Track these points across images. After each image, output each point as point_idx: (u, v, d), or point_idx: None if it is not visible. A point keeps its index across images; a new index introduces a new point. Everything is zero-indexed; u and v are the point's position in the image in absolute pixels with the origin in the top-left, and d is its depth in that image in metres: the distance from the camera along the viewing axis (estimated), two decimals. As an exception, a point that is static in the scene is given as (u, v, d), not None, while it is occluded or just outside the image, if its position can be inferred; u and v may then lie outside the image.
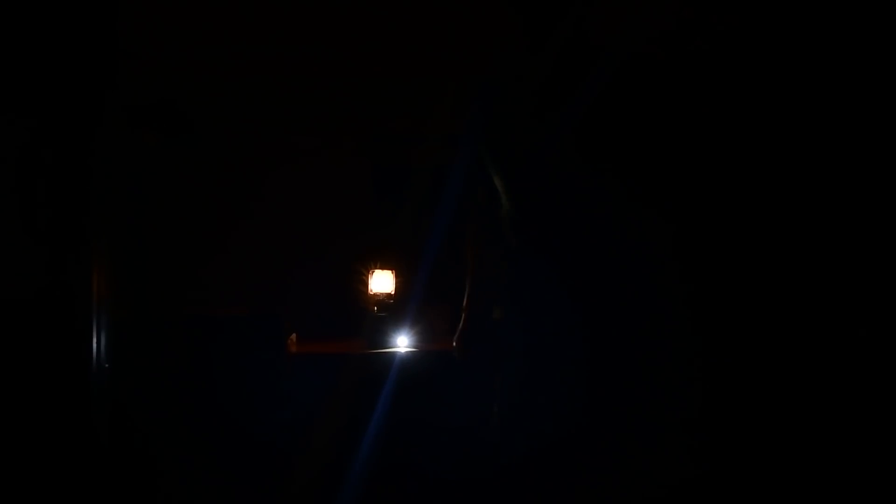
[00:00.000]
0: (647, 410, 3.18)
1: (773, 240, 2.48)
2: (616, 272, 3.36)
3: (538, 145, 3.12)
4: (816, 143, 2.20)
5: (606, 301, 3.47)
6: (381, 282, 3.50)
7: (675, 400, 3.01)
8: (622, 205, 3.23)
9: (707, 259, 2.83)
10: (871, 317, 1.96)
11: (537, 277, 3.64)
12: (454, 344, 2.92)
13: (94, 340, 2.37)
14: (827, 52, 2.21)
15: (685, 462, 2.85)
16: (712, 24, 2.54)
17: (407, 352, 3.34)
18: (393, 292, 3.51)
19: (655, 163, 2.90)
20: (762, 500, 2.47)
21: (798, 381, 2.34)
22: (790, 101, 2.17)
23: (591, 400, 3.42)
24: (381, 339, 3.42)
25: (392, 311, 3.49)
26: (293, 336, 3.49)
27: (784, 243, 2.44)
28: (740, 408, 2.63)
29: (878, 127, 1.98)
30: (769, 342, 2.49)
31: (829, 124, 2.14)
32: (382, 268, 3.53)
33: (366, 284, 3.52)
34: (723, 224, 2.72)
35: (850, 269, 2.14)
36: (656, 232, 3.08)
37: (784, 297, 2.43)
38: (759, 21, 2.37)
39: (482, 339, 3.43)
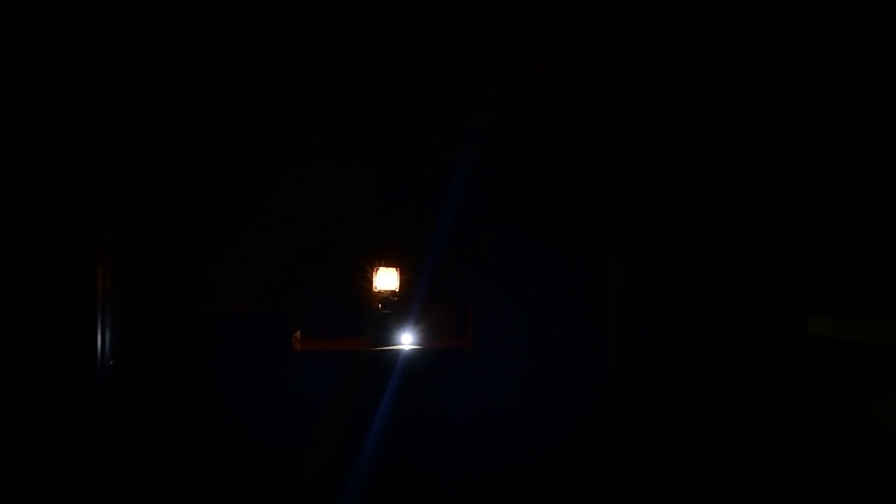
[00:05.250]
0: (656, 409, 3.18)
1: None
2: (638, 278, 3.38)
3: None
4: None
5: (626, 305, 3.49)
6: (386, 279, 3.51)
7: (684, 399, 3.01)
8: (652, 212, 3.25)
9: (719, 264, 2.83)
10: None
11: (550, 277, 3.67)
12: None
13: (99, 337, 2.39)
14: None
15: (693, 462, 2.84)
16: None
17: (411, 349, 3.34)
18: (397, 289, 3.52)
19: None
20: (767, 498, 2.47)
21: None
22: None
23: (599, 400, 3.44)
24: (386, 336, 3.42)
25: (396, 308, 3.49)
26: (297, 333, 3.50)
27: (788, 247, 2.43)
28: (746, 410, 2.63)
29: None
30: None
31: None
32: (387, 265, 3.53)
33: (370, 282, 3.52)
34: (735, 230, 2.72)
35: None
36: (675, 238, 3.09)
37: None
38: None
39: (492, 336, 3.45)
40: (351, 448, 3.05)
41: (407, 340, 3.44)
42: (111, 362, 2.42)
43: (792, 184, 2.39)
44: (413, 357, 3.28)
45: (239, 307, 3.37)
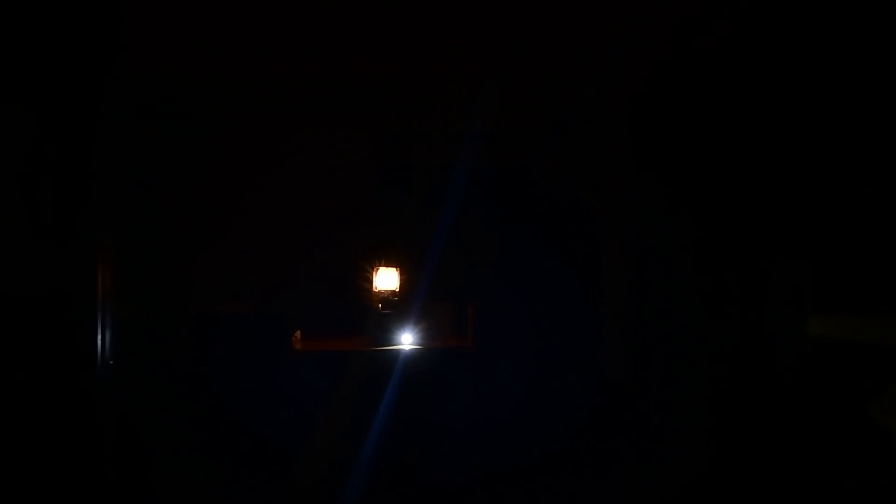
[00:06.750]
0: (657, 409, 3.18)
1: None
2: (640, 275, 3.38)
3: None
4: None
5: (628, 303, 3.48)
6: (386, 279, 3.51)
7: (685, 399, 3.00)
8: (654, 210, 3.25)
9: (720, 263, 2.82)
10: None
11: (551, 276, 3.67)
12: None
13: (99, 337, 2.38)
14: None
15: (695, 461, 2.84)
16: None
17: (411, 349, 3.34)
18: (397, 289, 3.52)
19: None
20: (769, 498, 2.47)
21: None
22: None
23: (600, 399, 3.43)
24: (386, 336, 3.42)
25: (396, 308, 3.49)
26: (297, 333, 3.50)
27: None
28: (748, 408, 2.62)
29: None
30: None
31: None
32: (387, 265, 3.53)
33: (370, 281, 3.52)
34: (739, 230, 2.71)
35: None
36: (676, 236, 3.08)
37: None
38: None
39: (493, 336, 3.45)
40: (351, 448, 3.05)
41: (407, 340, 3.44)
42: (111, 362, 2.42)
43: (792, 183, 2.38)
44: (413, 357, 3.28)
45: (239, 307, 3.37)
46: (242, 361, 3.08)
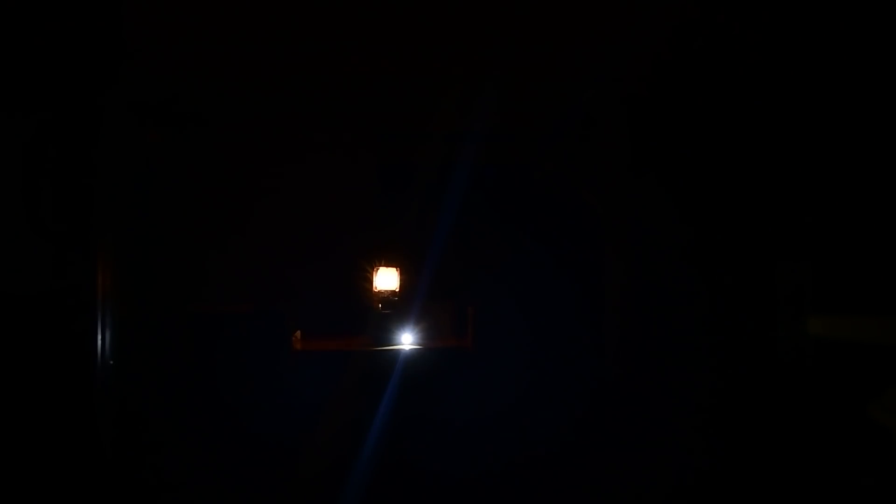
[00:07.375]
0: (656, 409, 3.18)
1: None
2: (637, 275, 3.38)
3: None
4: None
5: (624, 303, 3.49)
6: (386, 279, 3.51)
7: (685, 399, 3.01)
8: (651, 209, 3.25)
9: (720, 262, 2.82)
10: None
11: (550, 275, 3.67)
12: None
13: (99, 337, 2.39)
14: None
15: (694, 461, 2.84)
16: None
17: (411, 349, 3.34)
18: (397, 289, 3.52)
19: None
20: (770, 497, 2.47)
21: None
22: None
23: (599, 400, 3.43)
24: (386, 336, 3.42)
25: (396, 308, 3.49)
26: (297, 333, 3.50)
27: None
28: (749, 408, 2.62)
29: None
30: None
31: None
32: (387, 265, 3.53)
33: (370, 281, 3.52)
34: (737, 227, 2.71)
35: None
36: (674, 234, 3.08)
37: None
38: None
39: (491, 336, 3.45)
40: (351, 448, 3.05)
41: (407, 340, 3.44)
42: (111, 362, 2.43)
43: (792, 183, 2.39)
44: (413, 357, 3.28)
45: (239, 307, 3.37)
46: (242, 361, 3.08)
